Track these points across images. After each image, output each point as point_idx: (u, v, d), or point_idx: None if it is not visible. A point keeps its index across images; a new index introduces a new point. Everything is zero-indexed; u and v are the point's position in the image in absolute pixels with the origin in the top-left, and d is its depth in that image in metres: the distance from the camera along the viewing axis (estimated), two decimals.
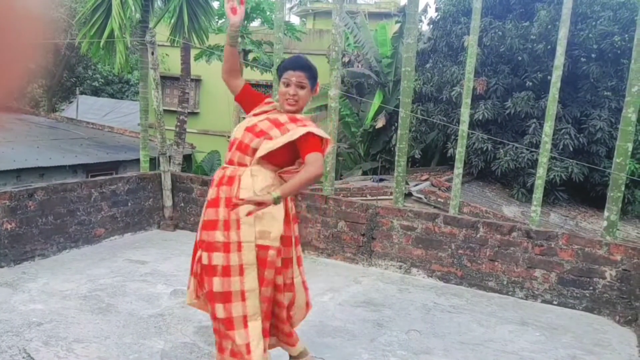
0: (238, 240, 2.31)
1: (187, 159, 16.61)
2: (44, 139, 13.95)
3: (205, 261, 2.36)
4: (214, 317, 2.37)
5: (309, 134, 2.35)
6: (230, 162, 2.44)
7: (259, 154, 2.36)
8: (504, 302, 4.12)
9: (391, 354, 3.14)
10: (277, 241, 2.34)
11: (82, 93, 22.87)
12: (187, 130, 15.20)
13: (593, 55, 10.34)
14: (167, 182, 5.51)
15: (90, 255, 4.56)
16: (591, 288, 4.01)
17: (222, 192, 2.37)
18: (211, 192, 2.42)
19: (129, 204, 5.24)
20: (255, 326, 2.32)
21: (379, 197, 9.21)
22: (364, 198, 9.30)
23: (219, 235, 2.33)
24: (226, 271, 2.31)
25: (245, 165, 2.39)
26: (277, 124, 2.41)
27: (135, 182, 5.32)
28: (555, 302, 4.11)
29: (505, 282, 4.26)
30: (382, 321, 3.60)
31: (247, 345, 2.29)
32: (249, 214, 2.20)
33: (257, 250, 2.32)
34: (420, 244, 4.53)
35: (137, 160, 11.56)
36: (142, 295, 3.75)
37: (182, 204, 5.59)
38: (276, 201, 2.17)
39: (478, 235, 4.33)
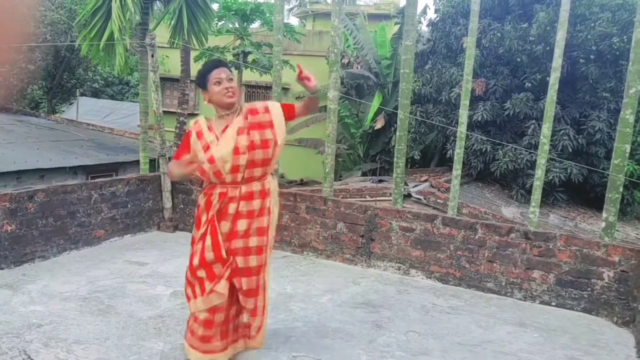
0: (267, 244, 2.73)
1: None
2: (44, 140, 13.95)
3: (241, 264, 2.68)
4: (244, 310, 2.76)
5: (278, 106, 2.77)
6: (245, 181, 2.67)
7: (277, 158, 2.76)
8: (503, 303, 4.14)
9: (390, 355, 3.15)
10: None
11: (82, 94, 22.89)
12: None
13: (592, 57, 10.35)
14: (166, 184, 5.53)
15: (90, 257, 4.58)
16: (589, 289, 4.03)
17: (247, 207, 2.67)
18: (232, 207, 2.65)
19: (129, 206, 5.26)
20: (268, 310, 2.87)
21: (378, 198, 9.23)
22: (363, 199, 9.32)
23: (253, 241, 2.68)
24: (259, 270, 2.74)
25: (263, 176, 2.72)
26: (257, 126, 2.67)
27: (135, 184, 5.34)
28: (553, 303, 4.12)
29: (503, 283, 4.28)
30: (380, 322, 3.62)
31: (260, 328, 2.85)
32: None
33: None
34: (419, 245, 4.54)
35: (137, 162, 11.57)
36: (142, 297, 3.76)
37: (182, 206, 5.60)
38: (315, 89, 2.70)
39: (476, 237, 4.35)
